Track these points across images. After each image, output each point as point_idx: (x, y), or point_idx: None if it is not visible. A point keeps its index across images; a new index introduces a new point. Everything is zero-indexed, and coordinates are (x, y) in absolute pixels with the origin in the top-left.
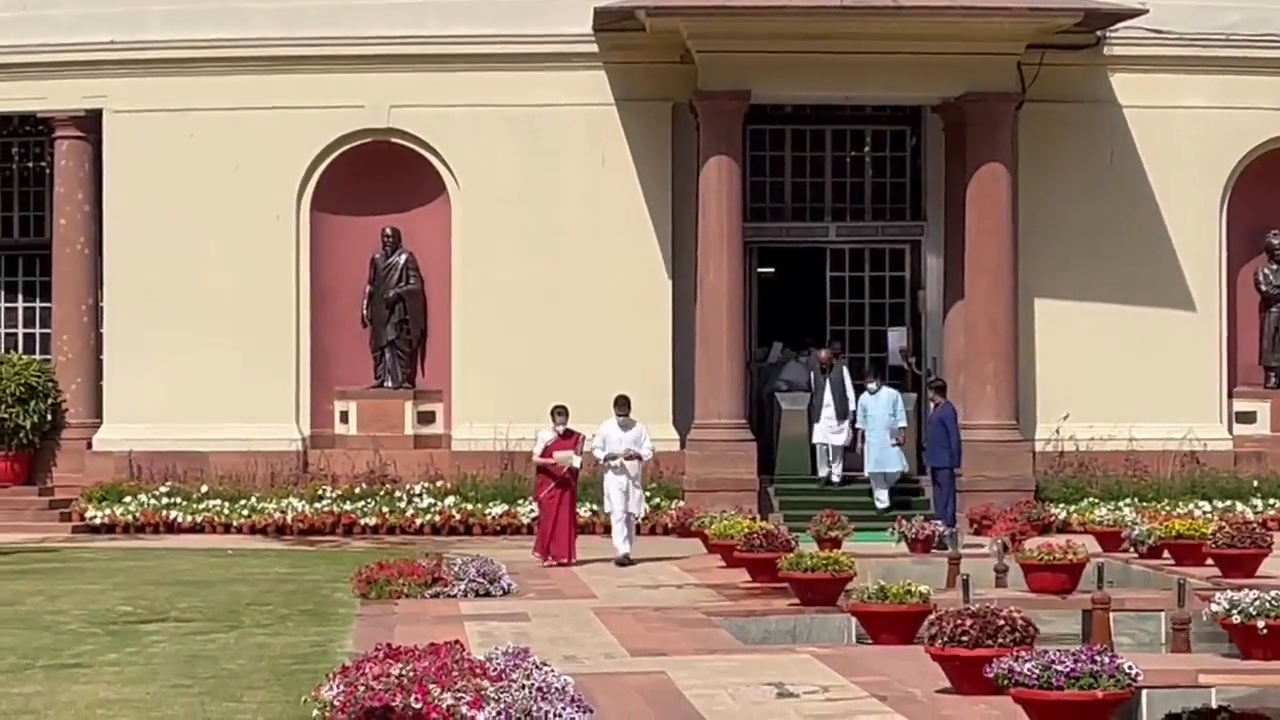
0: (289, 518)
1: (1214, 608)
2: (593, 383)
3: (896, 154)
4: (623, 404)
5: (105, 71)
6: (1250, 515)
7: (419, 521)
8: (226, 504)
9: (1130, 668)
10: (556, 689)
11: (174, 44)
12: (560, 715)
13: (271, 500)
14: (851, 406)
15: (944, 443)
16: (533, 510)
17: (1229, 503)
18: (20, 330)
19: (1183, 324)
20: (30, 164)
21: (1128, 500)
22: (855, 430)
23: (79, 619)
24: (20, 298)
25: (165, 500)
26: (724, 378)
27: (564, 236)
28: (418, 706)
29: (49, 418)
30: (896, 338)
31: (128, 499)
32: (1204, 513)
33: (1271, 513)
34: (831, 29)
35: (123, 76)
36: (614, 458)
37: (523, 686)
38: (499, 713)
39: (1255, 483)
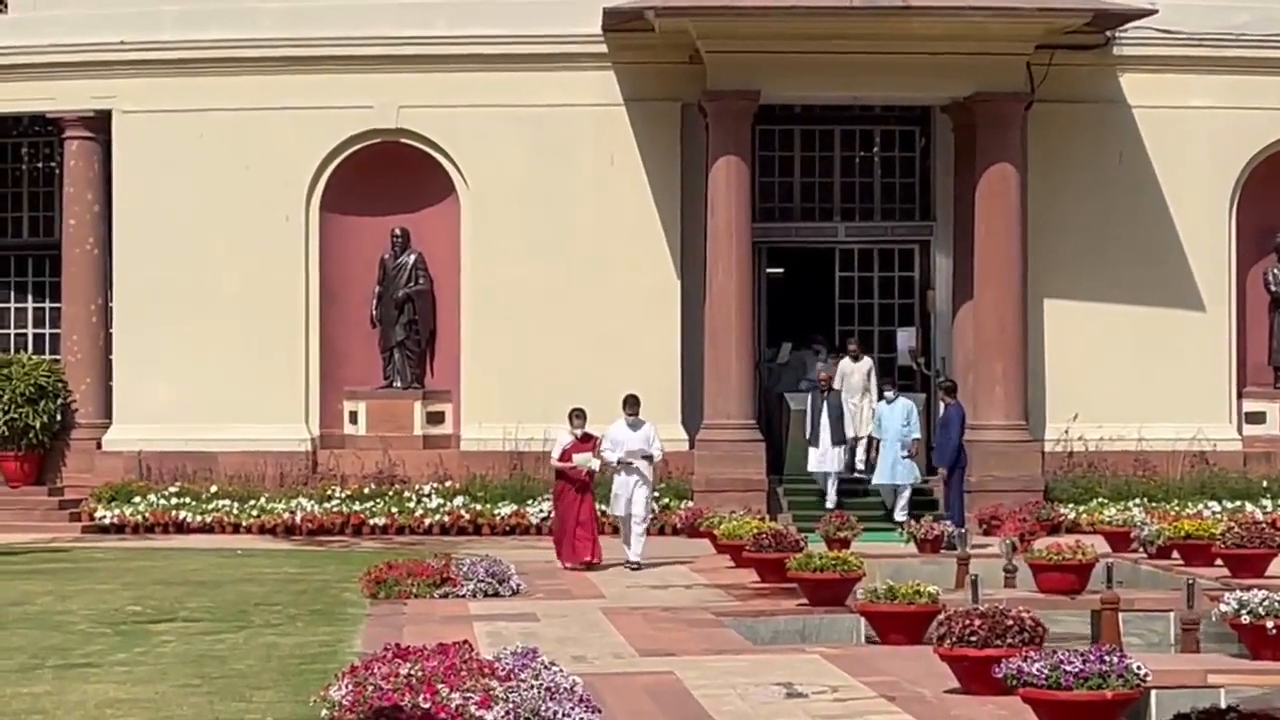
0: (298, 518)
1: (1223, 608)
2: (601, 383)
3: (906, 154)
4: (631, 404)
5: (115, 72)
6: (1260, 516)
7: (428, 522)
8: (236, 504)
9: (1139, 668)
10: (565, 689)
11: (183, 45)
12: (569, 715)
13: (281, 500)
14: (849, 433)
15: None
16: (540, 511)
17: (1238, 503)
18: (30, 330)
19: (1192, 324)
20: (40, 164)
21: (1137, 500)
22: (870, 439)
23: (88, 619)
24: (30, 298)
25: (174, 500)
26: (733, 378)
27: (573, 237)
28: (426, 706)
29: (59, 418)
30: (906, 338)
31: (137, 499)
32: (1213, 513)
33: None
34: (841, 29)
35: (132, 77)
36: (625, 461)
37: (531, 686)
38: (507, 712)
39: (1265, 483)
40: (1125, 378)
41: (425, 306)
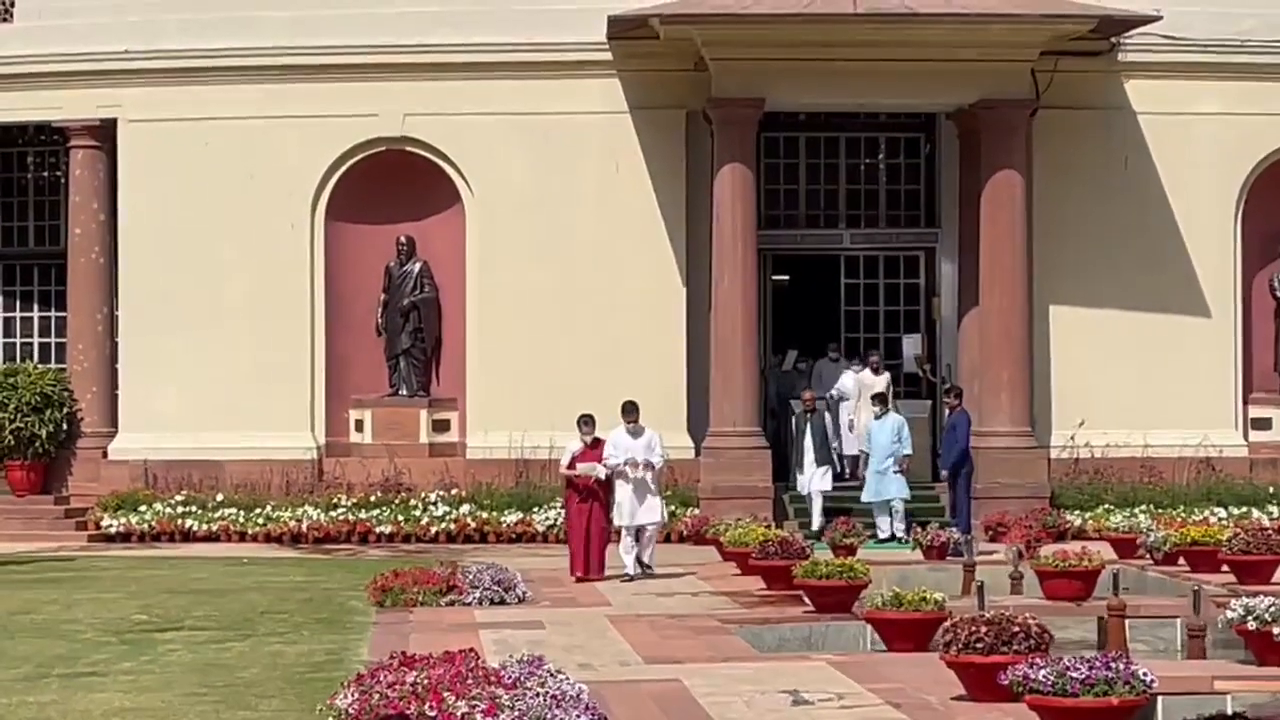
0: (304, 526)
1: (1229, 614)
2: (607, 390)
3: (911, 161)
4: (630, 410)
5: (120, 81)
6: (1266, 522)
7: (434, 529)
8: (242, 512)
9: (1145, 674)
10: (571, 697)
11: (189, 53)
12: None
13: (287, 509)
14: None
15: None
16: (547, 519)
17: (1244, 509)
18: (36, 339)
19: (1198, 330)
20: (45, 173)
21: (1143, 507)
22: (862, 454)
23: (94, 627)
24: (35, 307)
25: (180, 509)
26: (738, 385)
27: (578, 244)
28: (432, 714)
29: (65, 427)
30: (911, 345)
31: (143, 508)
32: (1219, 519)
33: None
34: (846, 36)
35: (137, 86)
36: (624, 469)
37: (537, 694)
38: None
39: (1271, 489)
40: (1131, 384)
41: (431, 314)
